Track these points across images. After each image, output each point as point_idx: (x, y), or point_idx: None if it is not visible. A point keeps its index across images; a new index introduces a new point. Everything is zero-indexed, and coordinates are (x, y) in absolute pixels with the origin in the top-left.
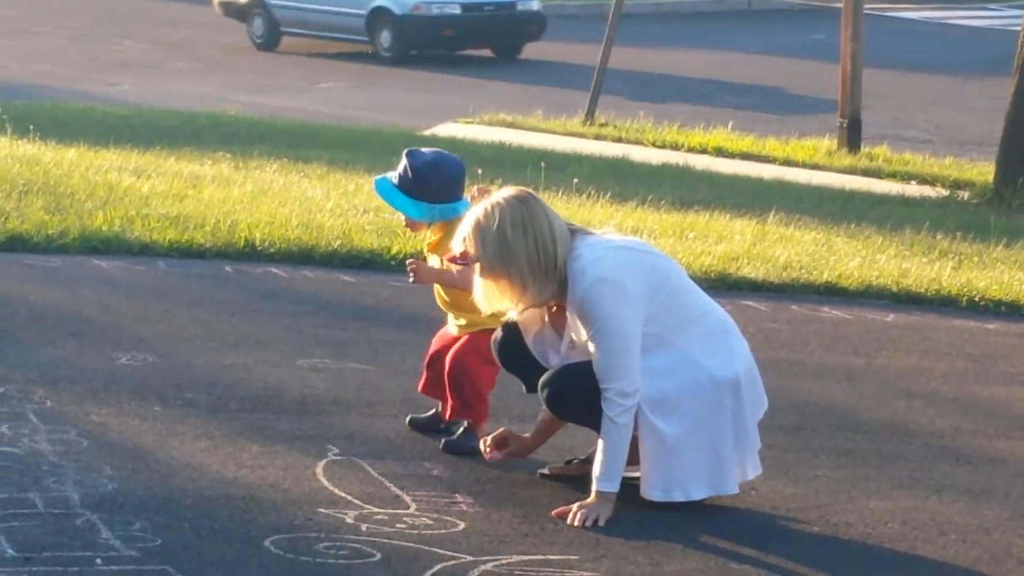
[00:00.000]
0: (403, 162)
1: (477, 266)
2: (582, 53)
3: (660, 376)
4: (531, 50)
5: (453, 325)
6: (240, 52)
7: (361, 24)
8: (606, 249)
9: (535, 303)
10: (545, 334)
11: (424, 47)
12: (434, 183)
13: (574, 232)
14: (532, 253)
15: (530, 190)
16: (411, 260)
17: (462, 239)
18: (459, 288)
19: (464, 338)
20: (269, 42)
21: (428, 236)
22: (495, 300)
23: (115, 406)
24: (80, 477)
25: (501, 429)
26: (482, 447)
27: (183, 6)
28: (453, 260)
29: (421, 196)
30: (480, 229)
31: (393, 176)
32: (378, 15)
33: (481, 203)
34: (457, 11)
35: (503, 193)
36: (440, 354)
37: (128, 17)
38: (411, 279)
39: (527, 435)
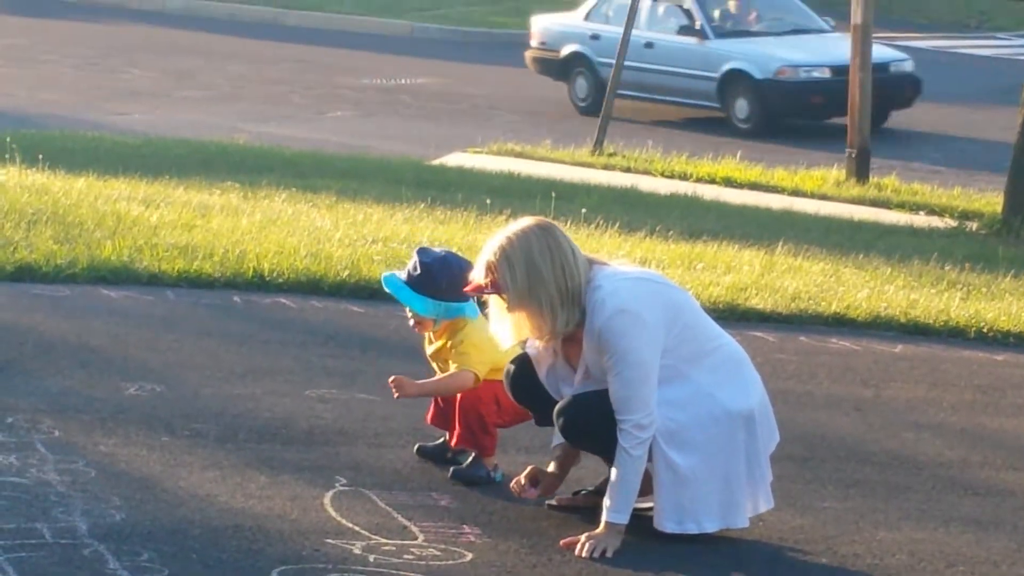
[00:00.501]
0: (413, 259)
1: (499, 297)
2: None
3: (675, 408)
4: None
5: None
6: (246, 82)
7: (712, 88)
8: (624, 280)
9: (560, 332)
10: (557, 368)
11: (788, 116)
12: (443, 280)
13: (591, 262)
14: (560, 281)
15: (548, 219)
16: (393, 378)
17: (485, 269)
18: (445, 395)
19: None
20: (595, 106)
21: (428, 340)
22: (522, 329)
23: (123, 436)
24: (88, 507)
25: (531, 467)
26: (515, 486)
27: (190, 35)
28: (474, 290)
29: (429, 292)
30: (508, 258)
31: (402, 273)
32: (733, 79)
33: (500, 233)
34: (827, 75)
35: (523, 223)
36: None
37: (137, 46)
38: (395, 395)
39: (551, 470)
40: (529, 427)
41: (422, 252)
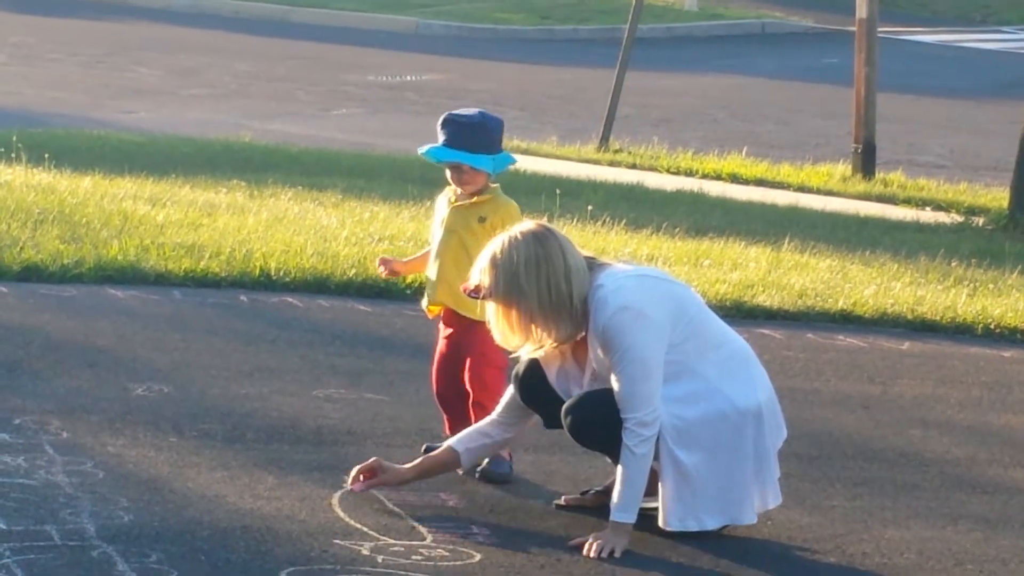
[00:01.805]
0: (450, 124)
1: (490, 301)
2: (595, 78)
3: (682, 405)
4: None
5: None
6: (252, 80)
7: None
8: (627, 278)
9: (545, 342)
10: (567, 368)
11: None
12: (491, 134)
13: (594, 264)
14: (543, 293)
15: (548, 224)
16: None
17: (479, 272)
18: None
19: (469, 359)
20: None
21: (452, 197)
22: (507, 336)
23: (131, 437)
24: (96, 509)
25: (372, 459)
26: (349, 479)
27: (197, 32)
28: (467, 292)
29: (484, 149)
30: (494, 265)
31: (438, 143)
32: None
33: (500, 235)
34: None
35: (522, 227)
36: (449, 389)
37: (142, 44)
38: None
39: (406, 466)
40: (538, 427)
41: (459, 115)
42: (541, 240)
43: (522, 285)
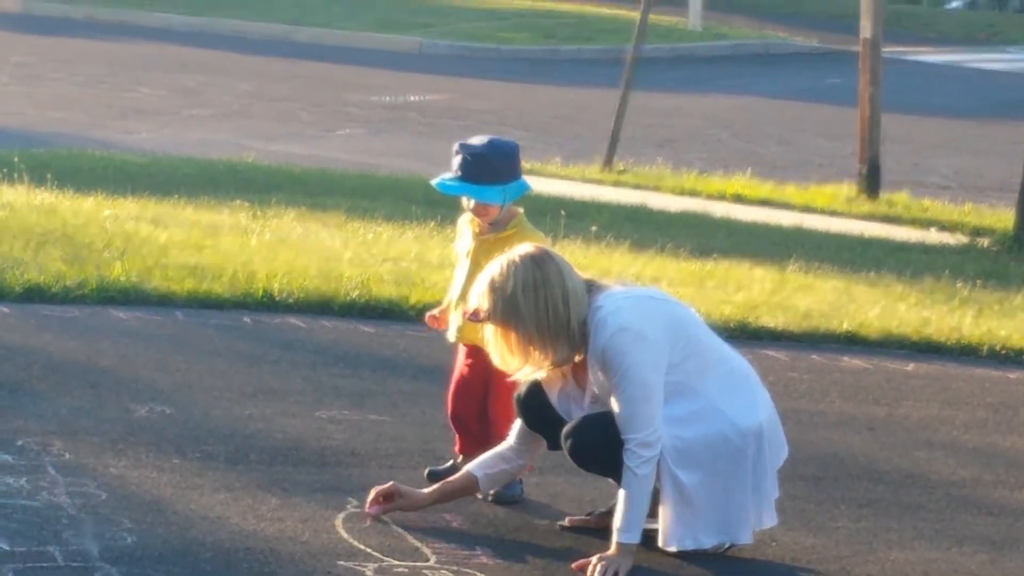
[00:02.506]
0: (459, 155)
1: (489, 324)
2: (599, 98)
3: (682, 425)
4: None
5: (453, 329)
6: (254, 100)
7: None
8: (626, 299)
9: (544, 364)
10: (569, 390)
11: None
12: (500, 165)
13: (592, 287)
14: (541, 316)
15: (547, 248)
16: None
17: (478, 296)
18: None
19: (492, 389)
20: None
21: (475, 229)
22: (505, 358)
23: (133, 458)
24: (99, 530)
25: (390, 483)
26: (367, 502)
27: (198, 52)
28: (467, 316)
29: (492, 180)
30: (492, 288)
31: (449, 174)
32: None
33: (499, 259)
34: None
35: (520, 250)
36: (466, 409)
37: (144, 64)
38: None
39: (424, 491)
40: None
41: (466, 147)
42: (539, 263)
43: (520, 308)
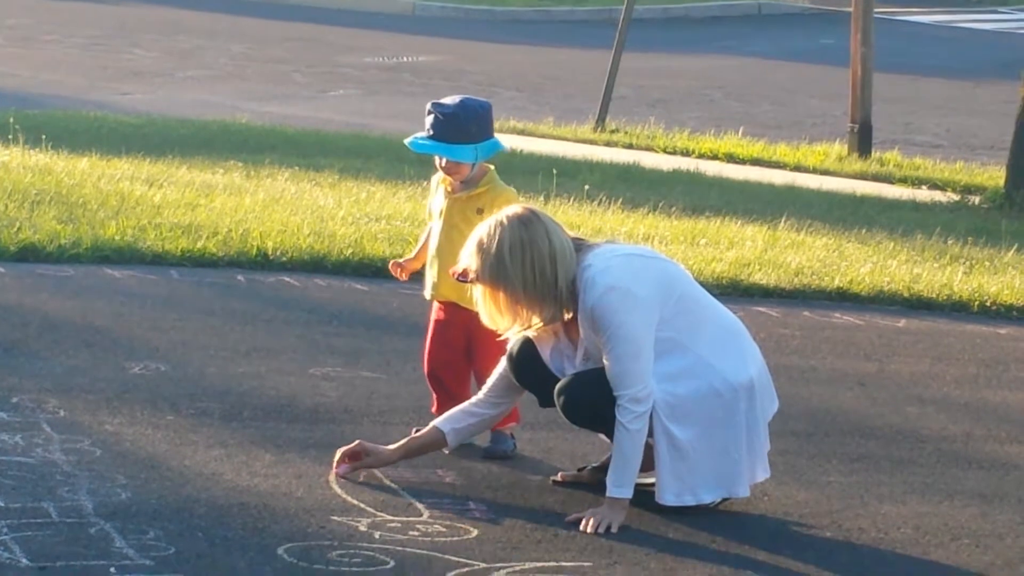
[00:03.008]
0: (432, 115)
1: (477, 284)
2: (592, 59)
3: (674, 381)
4: None
5: (431, 290)
6: (248, 62)
7: None
8: (615, 257)
9: (533, 323)
10: (561, 347)
11: None
12: (471, 123)
13: (581, 246)
14: (528, 276)
15: (534, 207)
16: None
17: (467, 256)
18: None
19: (476, 348)
20: None
21: (448, 188)
22: (494, 318)
23: (128, 415)
24: (94, 486)
25: (356, 442)
26: (333, 463)
27: (193, 14)
28: (456, 276)
29: (464, 139)
30: (480, 249)
31: (422, 133)
32: None
33: (487, 220)
34: None
35: (507, 211)
36: (443, 373)
37: (138, 26)
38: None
39: (390, 447)
40: (532, 405)
41: (438, 105)
42: (526, 223)
43: (507, 268)
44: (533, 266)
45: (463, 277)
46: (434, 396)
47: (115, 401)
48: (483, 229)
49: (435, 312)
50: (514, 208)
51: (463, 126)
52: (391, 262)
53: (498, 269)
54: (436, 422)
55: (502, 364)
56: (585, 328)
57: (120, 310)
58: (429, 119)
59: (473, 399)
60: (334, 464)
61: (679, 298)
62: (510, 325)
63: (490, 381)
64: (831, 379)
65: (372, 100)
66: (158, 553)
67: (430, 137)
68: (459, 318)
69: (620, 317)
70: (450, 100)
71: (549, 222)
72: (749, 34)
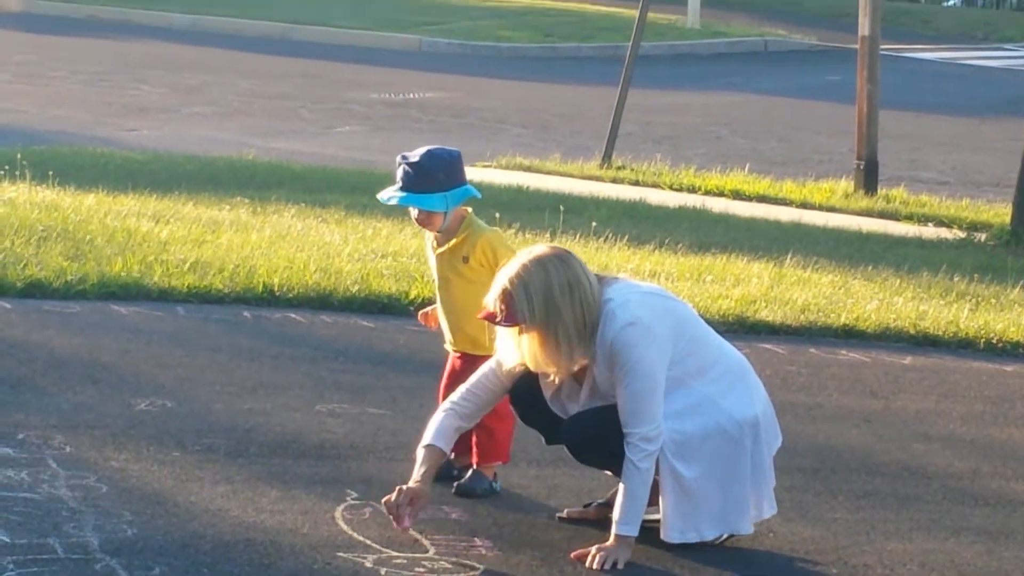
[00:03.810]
0: (400, 167)
1: (515, 328)
2: (598, 95)
3: (681, 418)
4: None
5: (449, 343)
6: (254, 98)
7: None
8: (634, 293)
9: (575, 367)
10: (563, 387)
11: None
12: (439, 172)
13: (601, 280)
14: (578, 315)
15: (561, 247)
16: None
17: (500, 297)
18: None
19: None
20: None
21: (434, 243)
22: (537, 362)
23: (134, 451)
24: (99, 522)
25: (400, 492)
26: (394, 520)
27: (198, 50)
28: (488, 318)
29: (432, 188)
30: (526, 290)
31: (392, 188)
32: None
33: (516, 260)
34: None
35: (538, 251)
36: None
37: (145, 62)
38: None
39: (421, 484)
40: (538, 441)
41: (405, 157)
42: (566, 262)
43: (560, 308)
44: (581, 304)
45: (491, 319)
46: None
47: (121, 437)
48: (518, 269)
49: (451, 361)
50: (541, 248)
51: (431, 174)
52: (419, 313)
53: (548, 311)
54: (433, 443)
55: (483, 369)
56: (601, 363)
57: (126, 346)
58: (398, 172)
59: (452, 416)
60: (396, 522)
61: (690, 340)
62: (557, 368)
63: (464, 391)
64: (837, 416)
65: (378, 136)
66: None
67: (398, 188)
68: (475, 367)
69: (639, 352)
70: (416, 152)
71: (580, 260)
72: (755, 71)
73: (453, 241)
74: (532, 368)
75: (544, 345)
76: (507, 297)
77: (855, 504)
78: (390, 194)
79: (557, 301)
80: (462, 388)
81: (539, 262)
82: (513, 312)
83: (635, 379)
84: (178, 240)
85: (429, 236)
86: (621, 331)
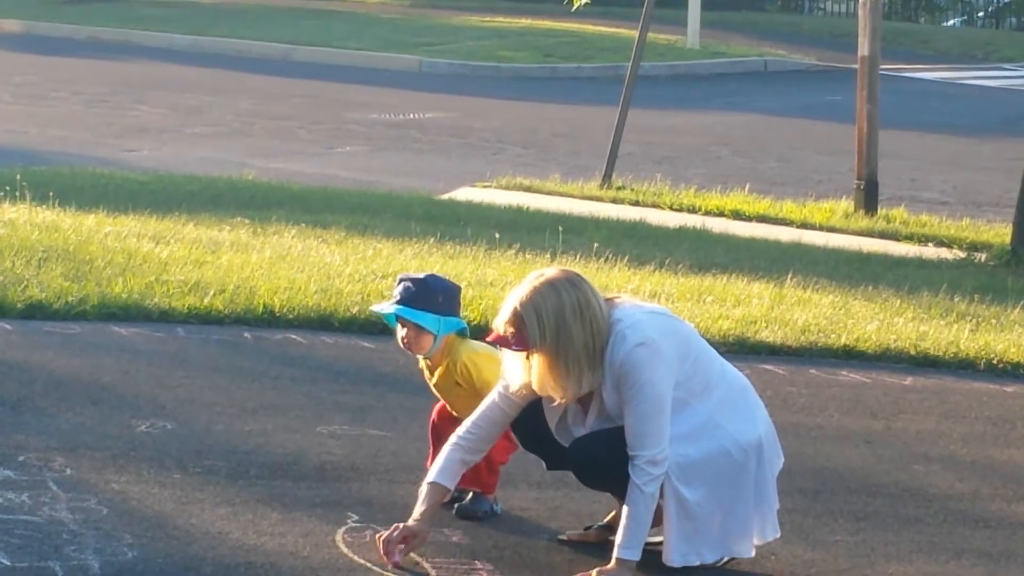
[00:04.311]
0: (400, 284)
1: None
2: (598, 116)
3: (685, 442)
4: None
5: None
6: (254, 118)
7: None
8: (642, 314)
9: (583, 392)
10: (567, 411)
11: None
12: (439, 294)
13: (610, 301)
14: (588, 338)
15: (571, 269)
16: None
17: (510, 320)
18: None
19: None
20: None
21: (427, 370)
22: (544, 387)
23: (135, 473)
24: (100, 545)
25: (396, 531)
26: (386, 557)
27: (199, 71)
28: (497, 341)
29: (430, 307)
30: (537, 313)
31: (388, 303)
32: None
33: (526, 283)
34: None
35: (550, 274)
36: (445, 427)
37: (144, 83)
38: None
39: (420, 523)
40: (539, 463)
41: (406, 276)
42: (577, 285)
43: (572, 332)
44: (592, 327)
45: (500, 342)
46: (431, 450)
47: (122, 459)
48: (528, 292)
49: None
50: (552, 271)
51: (433, 293)
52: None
53: (559, 334)
54: (437, 480)
55: (487, 401)
56: (610, 384)
57: (127, 367)
58: (398, 288)
59: (458, 451)
60: (388, 559)
61: (695, 360)
62: (564, 392)
63: (470, 424)
64: (837, 437)
65: (379, 157)
66: None
67: (395, 302)
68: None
69: (648, 373)
70: (420, 273)
71: (590, 283)
72: (755, 91)
73: (439, 370)
74: (538, 391)
75: (553, 368)
76: (518, 320)
77: (856, 526)
78: (385, 306)
79: (568, 324)
80: (467, 421)
81: (551, 285)
82: (524, 336)
83: (643, 400)
84: (178, 261)
85: (423, 365)
86: (631, 352)
